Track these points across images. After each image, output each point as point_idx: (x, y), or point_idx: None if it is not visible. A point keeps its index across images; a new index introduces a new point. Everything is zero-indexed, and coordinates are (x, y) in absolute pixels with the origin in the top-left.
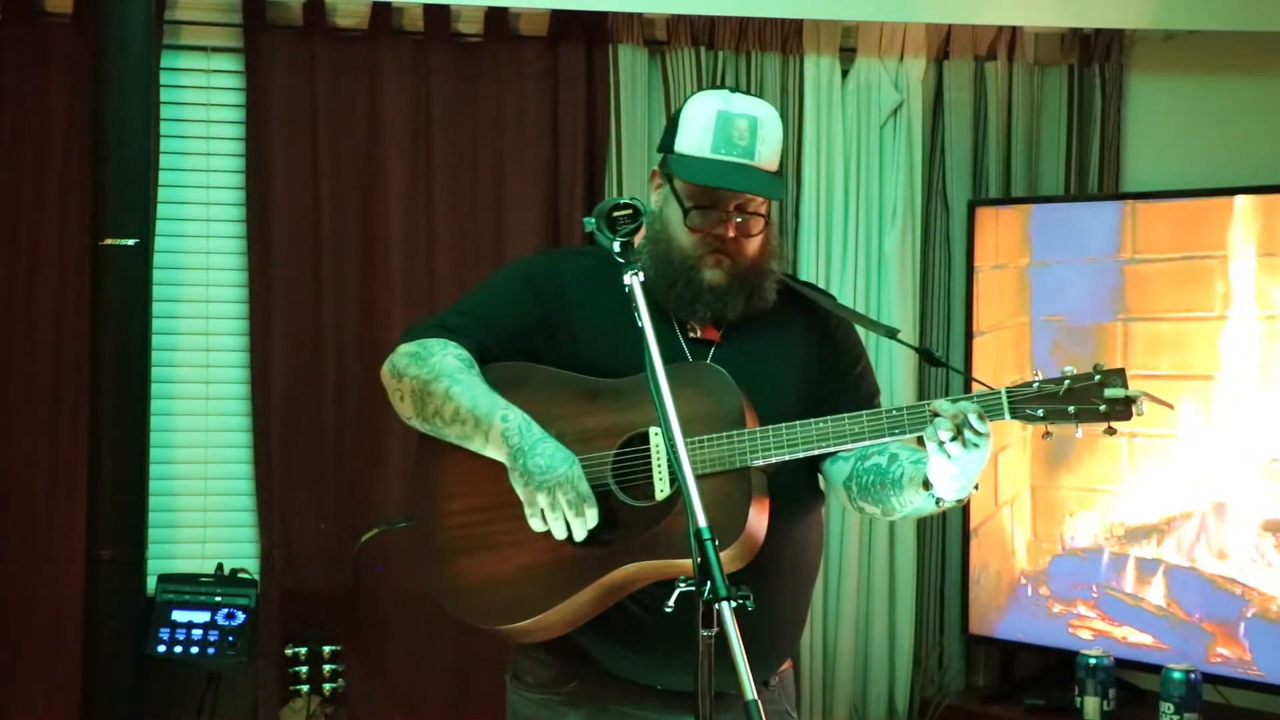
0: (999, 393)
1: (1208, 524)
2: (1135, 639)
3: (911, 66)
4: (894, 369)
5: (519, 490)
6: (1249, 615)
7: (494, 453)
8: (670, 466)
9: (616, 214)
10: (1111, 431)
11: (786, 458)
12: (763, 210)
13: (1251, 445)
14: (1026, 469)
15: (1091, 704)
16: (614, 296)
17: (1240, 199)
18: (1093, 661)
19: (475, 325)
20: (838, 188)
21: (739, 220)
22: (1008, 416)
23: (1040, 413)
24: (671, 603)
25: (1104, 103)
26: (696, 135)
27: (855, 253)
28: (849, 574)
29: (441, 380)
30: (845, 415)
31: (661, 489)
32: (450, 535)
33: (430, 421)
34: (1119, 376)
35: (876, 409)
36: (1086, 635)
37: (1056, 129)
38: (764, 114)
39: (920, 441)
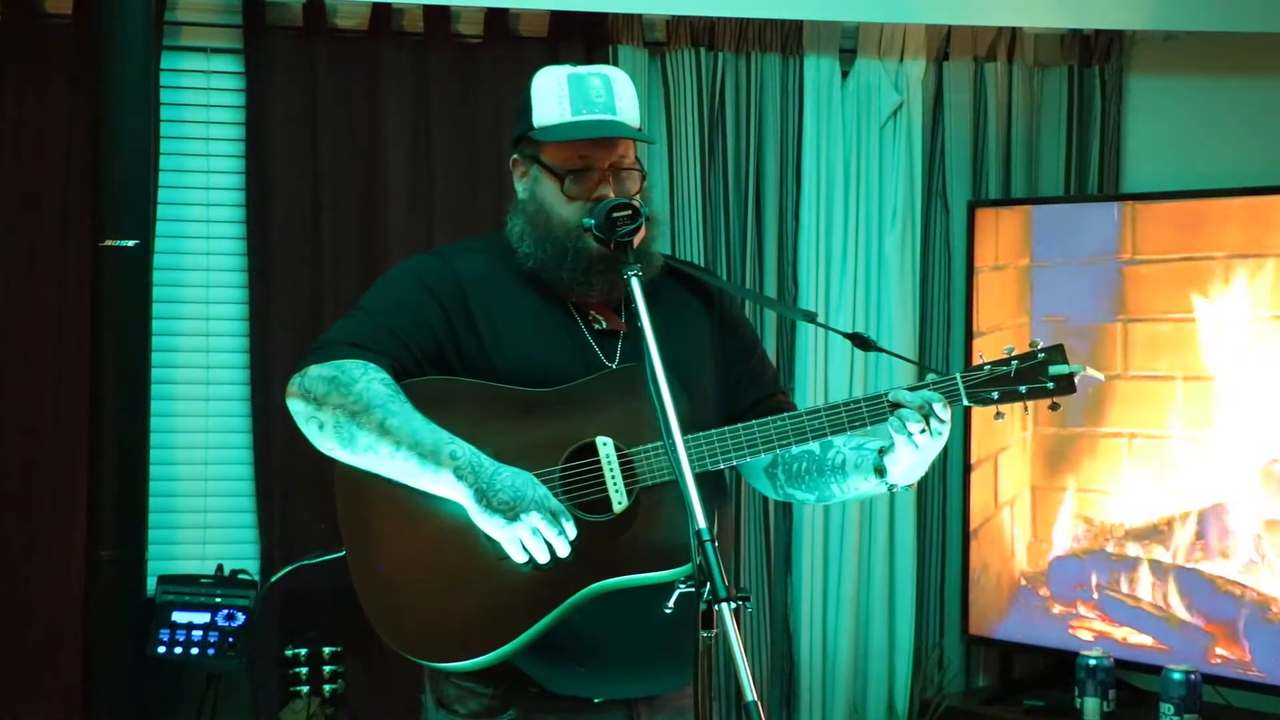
0: (955, 378)
1: (1207, 524)
2: (1135, 640)
3: (911, 67)
4: (893, 345)
5: (490, 529)
6: (1249, 616)
7: (445, 492)
8: (637, 472)
9: (616, 214)
10: (1055, 407)
11: (749, 459)
12: (637, 166)
13: (1251, 446)
14: (1026, 469)
15: (1091, 705)
16: (510, 294)
17: (1240, 200)
18: (1093, 662)
19: (386, 340)
20: (837, 189)
21: (616, 178)
22: (965, 401)
23: (995, 395)
24: (671, 604)
25: (1104, 103)
26: (553, 104)
27: (855, 254)
28: (848, 574)
29: (373, 412)
30: (803, 412)
31: (619, 501)
32: (390, 568)
33: (361, 455)
34: (1060, 353)
35: (835, 404)
36: (1086, 636)
37: (1056, 130)
38: (614, 73)
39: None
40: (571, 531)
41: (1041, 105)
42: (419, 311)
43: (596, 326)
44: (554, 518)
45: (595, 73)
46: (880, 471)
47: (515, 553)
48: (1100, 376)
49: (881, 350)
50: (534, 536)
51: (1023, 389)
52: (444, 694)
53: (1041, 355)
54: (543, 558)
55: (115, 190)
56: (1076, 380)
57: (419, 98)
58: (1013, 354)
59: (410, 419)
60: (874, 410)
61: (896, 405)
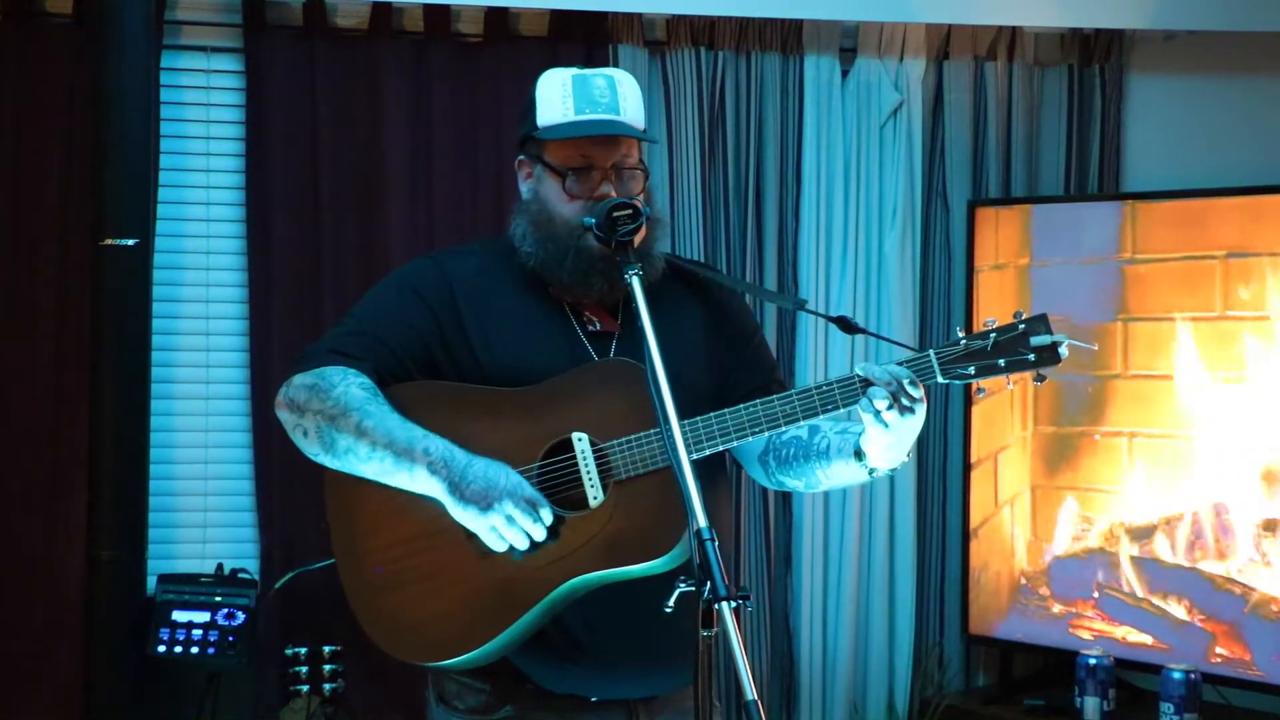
0: (928, 354)
1: (1208, 524)
2: (1135, 639)
3: (911, 66)
4: (892, 357)
5: (466, 521)
6: (1249, 615)
7: (421, 488)
8: (616, 465)
9: (616, 214)
10: (1041, 379)
11: (721, 448)
12: (640, 167)
13: (1251, 445)
14: (1026, 469)
15: (1091, 704)
16: (503, 296)
17: (1239, 200)
18: (1093, 662)
19: (370, 346)
20: (838, 188)
21: (619, 177)
22: (940, 378)
23: (971, 370)
24: (671, 603)
25: (1104, 103)
26: (556, 104)
27: (855, 253)
28: (848, 573)
29: (350, 415)
30: (775, 396)
31: (594, 496)
32: (374, 569)
33: (342, 458)
34: (1042, 323)
35: (807, 387)
36: (1086, 635)
37: (1056, 129)
38: (619, 74)
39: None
40: (548, 518)
41: (1041, 105)
42: (405, 316)
43: (591, 328)
44: (529, 505)
45: (600, 73)
46: (860, 454)
47: (493, 542)
48: (1088, 345)
49: (865, 332)
50: (509, 525)
51: (1001, 362)
52: (444, 689)
53: (1022, 326)
54: (521, 545)
55: (115, 190)
56: (1061, 350)
57: (419, 98)
58: (993, 326)
59: (386, 419)
60: (846, 391)
61: (867, 384)
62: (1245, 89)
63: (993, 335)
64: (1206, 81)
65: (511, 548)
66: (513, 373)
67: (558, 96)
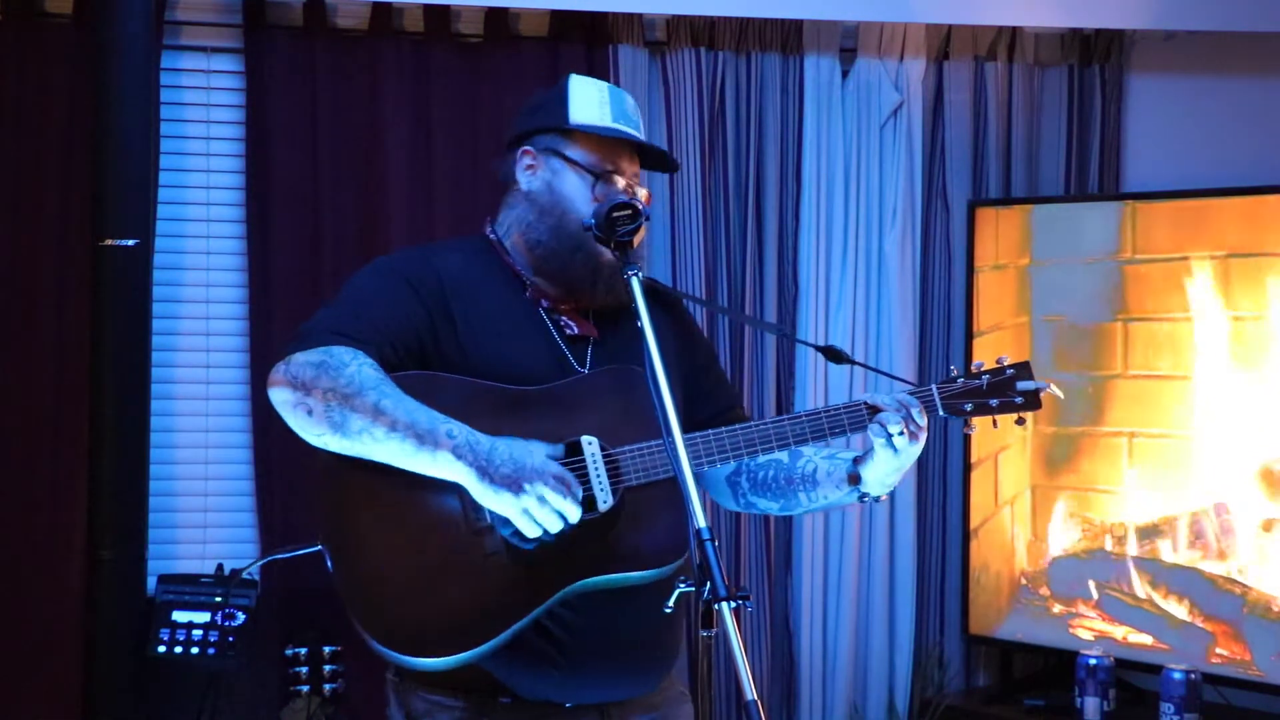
0: (930, 389)
1: (1208, 524)
2: (1135, 639)
3: (911, 67)
4: (893, 357)
5: (498, 506)
6: (1249, 615)
7: (443, 473)
8: (615, 469)
9: (616, 214)
10: (1021, 422)
11: (732, 462)
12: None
13: (1252, 445)
14: (1026, 469)
15: (1091, 705)
16: (487, 295)
17: (1239, 200)
18: (1093, 662)
19: (372, 332)
20: (838, 188)
21: (633, 193)
22: (941, 411)
23: (969, 407)
24: (672, 603)
25: (1104, 103)
26: (594, 107)
27: (855, 253)
28: (849, 574)
29: (366, 394)
30: (784, 417)
31: (604, 500)
32: (373, 563)
33: (355, 439)
34: (1027, 370)
35: (815, 410)
36: (1086, 635)
37: (1056, 129)
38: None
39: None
40: (579, 494)
41: (1041, 105)
42: (401, 306)
43: (569, 332)
44: (560, 483)
45: (626, 93)
46: (854, 480)
47: (526, 526)
48: (1057, 393)
49: (854, 363)
50: (542, 506)
51: (994, 402)
52: (412, 708)
53: (1010, 371)
54: (555, 526)
55: (115, 190)
56: (1041, 396)
57: (419, 98)
58: (982, 369)
59: (404, 401)
60: (853, 417)
61: (875, 410)
62: (1245, 89)
63: (985, 376)
64: (1206, 81)
65: (545, 531)
66: (495, 372)
67: (595, 100)
